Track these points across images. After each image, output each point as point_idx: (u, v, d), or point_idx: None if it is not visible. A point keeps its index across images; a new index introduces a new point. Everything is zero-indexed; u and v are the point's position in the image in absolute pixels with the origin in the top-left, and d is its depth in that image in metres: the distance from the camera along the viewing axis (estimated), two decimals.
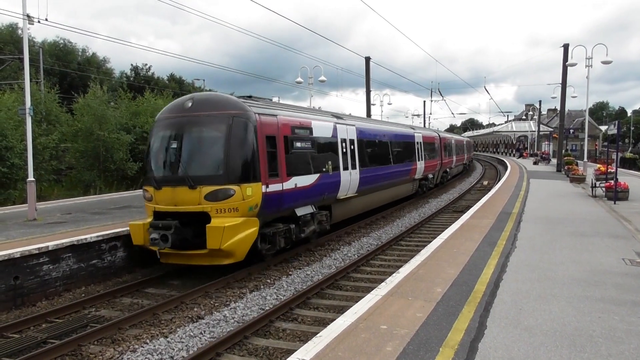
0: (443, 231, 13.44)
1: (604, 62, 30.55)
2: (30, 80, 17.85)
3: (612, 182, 19.85)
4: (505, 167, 46.21)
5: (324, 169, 14.86)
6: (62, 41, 57.31)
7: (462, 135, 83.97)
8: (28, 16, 15.86)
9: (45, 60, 46.14)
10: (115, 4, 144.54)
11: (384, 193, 21.92)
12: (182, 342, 8.22)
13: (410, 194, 26.89)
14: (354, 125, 18.23)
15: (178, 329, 8.76)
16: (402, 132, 25.64)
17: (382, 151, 21.31)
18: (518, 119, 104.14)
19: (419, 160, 26.71)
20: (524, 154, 72.01)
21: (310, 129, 14.61)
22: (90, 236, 11.81)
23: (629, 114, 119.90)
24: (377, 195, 20.83)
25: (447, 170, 37.44)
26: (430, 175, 30.66)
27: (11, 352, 7.81)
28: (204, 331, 8.69)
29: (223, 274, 11.71)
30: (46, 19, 15.98)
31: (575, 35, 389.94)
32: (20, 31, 43.44)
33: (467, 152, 53.82)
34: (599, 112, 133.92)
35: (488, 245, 11.19)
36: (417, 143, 27.12)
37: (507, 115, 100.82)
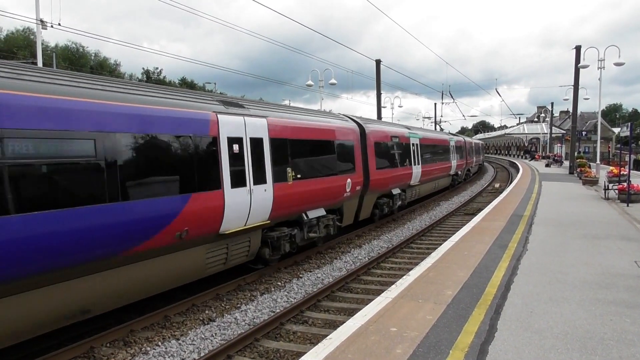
0: (454, 234, 13.41)
1: (617, 64, 30.29)
2: None
3: (625, 184, 19.69)
4: (517, 170, 45.95)
5: None
6: (74, 45, 58.06)
7: (474, 137, 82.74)
8: (42, 21, 16.14)
9: (59, 64, 46.74)
10: (128, 8, 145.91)
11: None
12: (194, 344, 8.30)
13: (246, 260, 11.82)
14: None
15: (189, 331, 8.83)
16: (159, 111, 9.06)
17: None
18: (530, 121, 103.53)
19: (267, 181, 11.73)
20: (536, 156, 71.56)
21: None
22: None
23: None
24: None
25: (401, 190, 21.89)
26: (327, 217, 14.86)
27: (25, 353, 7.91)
28: (215, 333, 8.76)
29: (234, 277, 11.78)
30: (59, 24, 16.25)
31: (591, 36, 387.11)
32: (34, 36, 44.07)
33: (464, 156, 39.25)
34: (612, 114, 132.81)
35: (499, 248, 11.16)
36: (248, 141, 11.28)
37: (519, 118, 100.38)
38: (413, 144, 23.68)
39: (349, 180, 16.02)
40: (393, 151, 20.78)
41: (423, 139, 26.11)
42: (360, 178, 17.07)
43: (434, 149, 28.62)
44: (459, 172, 37.42)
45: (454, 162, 33.94)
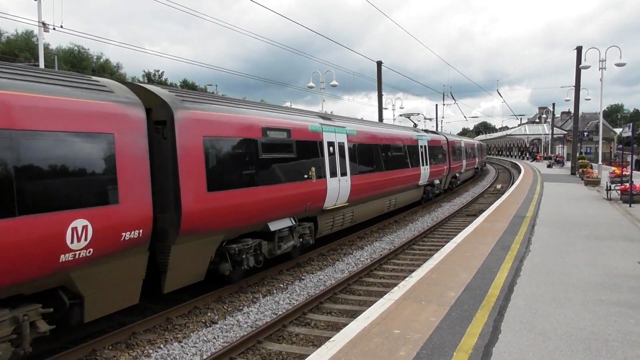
0: (456, 235, 13.38)
1: (618, 65, 30.28)
2: None
3: (627, 185, 19.65)
4: (519, 171, 45.90)
5: None
6: (76, 48, 58.22)
7: (475, 138, 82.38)
8: (43, 24, 16.16)
9: (60, 67, 46.82)
10: (130, 10, 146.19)
11: None
12: (196, 346, 8.28)
13: None
14: None
15: (192, 334, 8.81)
16: None
17: None
18: (532, 122, 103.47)
19: None
20: (538, 157, 71.56)
21: None
22: None
23: None
24: None
25: (300, 220, 13.34)
26: None
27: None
28: (218, 336, 8.74)
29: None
30: (61, 26, 16.26)
31: (593, 36, 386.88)
32: (35, 38, 44.18)
33: (446, 160, 30.27)
34: (614, 114, 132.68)
35: (502, 249, 11.13)
36: None
37: (521, 119, 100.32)
38: (332, 144, 14.89)
39: (83, 223, 7.14)
40: (272, 155, 11.83)
41: (359, 135, 17.14)
42: (145, 212, 8.21)
43: (387, 151, 19.77)
44: (437, 182, 27.90)
45: (424, 169, 24.74)
